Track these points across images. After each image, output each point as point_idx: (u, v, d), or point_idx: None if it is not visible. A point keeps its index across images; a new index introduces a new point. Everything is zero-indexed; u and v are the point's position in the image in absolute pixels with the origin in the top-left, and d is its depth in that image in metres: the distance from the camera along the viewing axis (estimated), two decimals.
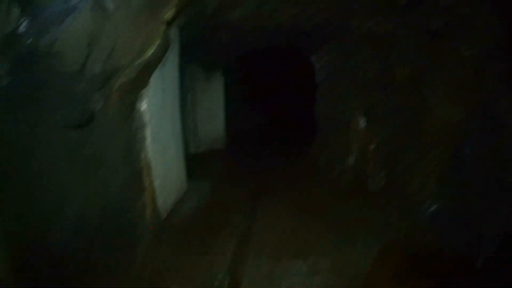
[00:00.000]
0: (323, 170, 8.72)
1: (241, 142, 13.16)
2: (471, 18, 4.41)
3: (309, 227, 5.87)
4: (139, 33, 4.42)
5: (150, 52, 4.68)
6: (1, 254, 3.27)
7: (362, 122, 7.57)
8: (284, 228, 5.87)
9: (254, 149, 12.39)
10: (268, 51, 10.57)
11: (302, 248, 5.28)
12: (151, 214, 5.55)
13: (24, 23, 3.44)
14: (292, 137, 13.52)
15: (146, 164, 5.40)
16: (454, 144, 5.26)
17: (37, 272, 3.54)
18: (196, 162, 9.09)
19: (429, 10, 4.90)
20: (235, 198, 7.31)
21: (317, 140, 10.13)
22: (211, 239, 5.56)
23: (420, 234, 5.16)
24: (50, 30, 3.48)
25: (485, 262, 4.15)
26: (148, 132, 5.41)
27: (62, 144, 3.95)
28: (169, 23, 4.93)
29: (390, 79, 6.53)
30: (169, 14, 4.74)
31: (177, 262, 5.00)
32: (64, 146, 3.97)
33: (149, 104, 5.42)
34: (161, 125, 5.97)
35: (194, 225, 6.06)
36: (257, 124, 15.26)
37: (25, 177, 3.57)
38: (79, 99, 3.88)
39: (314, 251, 5.16)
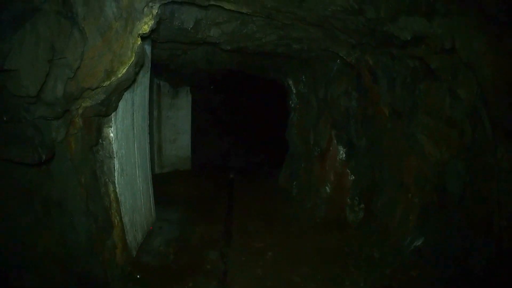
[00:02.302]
0: (296, 199, 8.14)
1: (206, 164, 12.34)
2: (474, 62, 3.95)
3: (292, 266, 5.22)
4: (110, 48, 3.59)
5: (122, 71, 3.85)
6: None
7: (341, 153, 6.97)
8: (265, 268, 5.19)
9: (219, 172, 11.60)
10: (241, 71, 9.77)
11: None
12: (121, 253, 4.74)
13: None
14: (260, 161, 12.97)
15: (114, 199, 4.55)
16: (438, 182, 4.91)
17: None
18: (161, 187, 8.18)
19: (430, 50, 4.40)
20: (207, 230, 6.53)
21: (287, 167, 9.51)
22: (189, 281, 4.80)
23: (404, 271, 4.80)
24: (6, 36, 2.65)
25: None
26: (116, 164, 4.55)
27: (17, 183, 3.11)
28: (144, 38, 4.12)
29: (374, 112, 6.05)
30: (145, 27, 3.93)
31: None
32: (19, 186, 3.14)
33: (117, 131, 4.60)
34: (129, 153, 5.16)
35: (169, 263, 5.29)
36: (224, 145, 14.45)
37: None
38: (36, 130, 3.00)
39: None
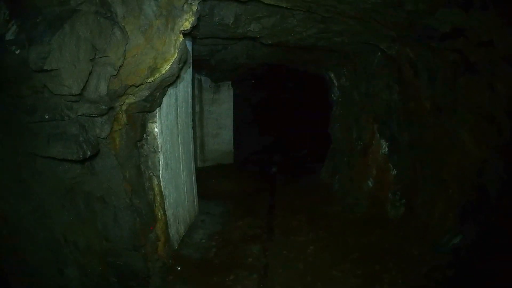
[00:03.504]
0: (338, 194, 7.92)
1: (247, 158, 12.29)
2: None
3: (333, 261, 5.10)
4: (152, 45, 3.56)
5: (165, 68, 3.82)
6: None
7: (384, 147, 6.71)
8: (306, 262, 5.09)
9: (260, 166, 11.51)
10: (282, 65, 9.63)
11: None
12: (164, 246, 4.75)
13: (12, 29, 2.61)
14: (301, 156, 12.76)
15: (159, 193, 4.56)
16: (478, 180, 4.69)
17: None
18: (203, 181, 8.19)
19: (469, 43, 4.17)
20: (248, 224, 6.47)
21: (330, 161, 9.28)
22: (231, 274, 4.76)
23: (441, 270, 4.62)
24: (44, 38, 2.65)
25: None
26: (161, 158, 4.55)
27: (59, 180, 3.15)
28: (185, 34, 4.07)
29: (416, 107, 5.79)
30: (186, 24, 3.88)
31: None
32: (61, 183, 3.17)
33: (161, 126, 4.59)
34: (173, 148, 5.15)
35: (210, 256, 5.27)
36: (266, 139, 14.35)
37: (21, 215, 3.14)
38: (80, 127, 3.01)
39: None
